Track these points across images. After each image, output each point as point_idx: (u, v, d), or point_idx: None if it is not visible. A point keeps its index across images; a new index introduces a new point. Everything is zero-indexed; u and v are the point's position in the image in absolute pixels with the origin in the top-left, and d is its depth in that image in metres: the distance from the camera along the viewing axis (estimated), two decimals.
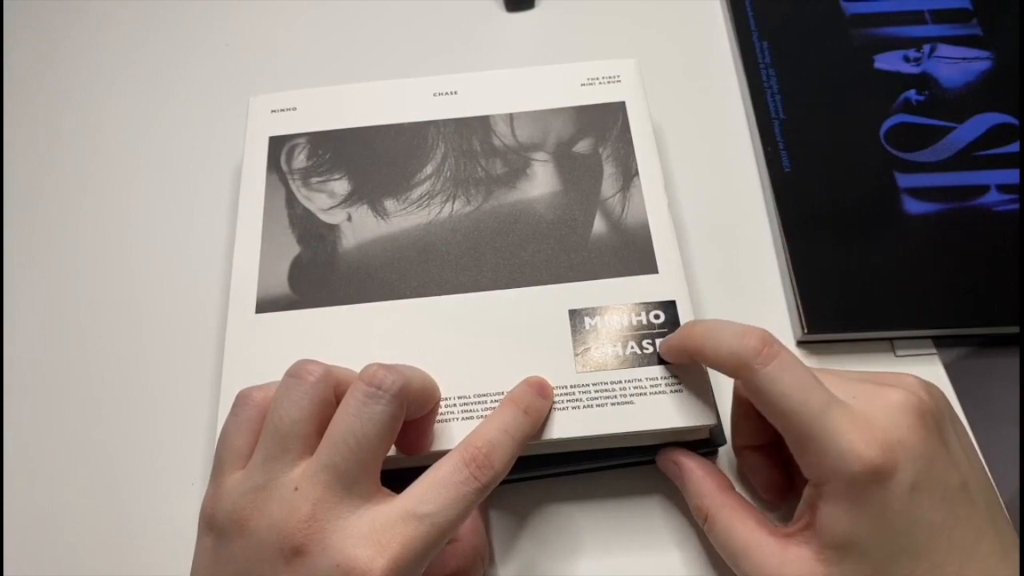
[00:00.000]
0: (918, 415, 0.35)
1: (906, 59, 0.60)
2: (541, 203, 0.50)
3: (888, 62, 0.60)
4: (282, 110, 0.55)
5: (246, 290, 0.48)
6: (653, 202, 0.50)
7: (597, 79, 0.55)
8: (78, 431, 0.50)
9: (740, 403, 0.43)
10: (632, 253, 0.48)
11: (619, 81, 0.55)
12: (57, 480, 0.49)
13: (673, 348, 0.43)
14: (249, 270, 0.49)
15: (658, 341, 0.45)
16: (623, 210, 0.49)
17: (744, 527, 0.38)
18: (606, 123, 0.53)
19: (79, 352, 0.53)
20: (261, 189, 0.52)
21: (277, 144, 0.53)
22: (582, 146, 0.52)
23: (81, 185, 0.60)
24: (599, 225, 0.49)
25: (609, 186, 0.51)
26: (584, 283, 0.47)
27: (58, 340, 0.53)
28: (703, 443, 0.45)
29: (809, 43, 0.62)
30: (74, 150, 0.62)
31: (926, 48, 0.61)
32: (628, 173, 0.51)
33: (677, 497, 0.45)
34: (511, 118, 0.54)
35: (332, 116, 0.54)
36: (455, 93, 0.55)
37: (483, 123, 0.54)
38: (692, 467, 0.42)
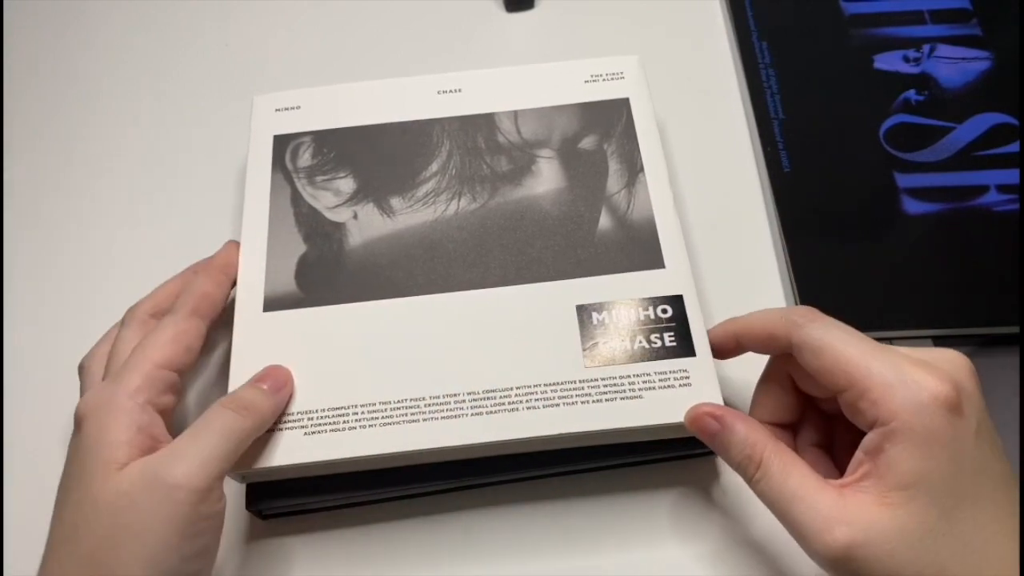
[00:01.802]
0: (972, 371, 0.36)
1: (906, 59, 0.60)
2: (547, 199, 0.50)
3: (887, 62, 0.60)
4: (286, 109, 0.54)
5: (253, 288, 0.48)
6: (659, 197, 0.50)
7: (601, 76, 0.55)
8: None
9: (770, 378, 0.43)
10: (638, 248, 0.48)
11: (623, 78, 0.55)
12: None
13: (717, 336, 0.43)
14: (256, 268, 0.49)
15: (666, 335, 0.45)
16: (628, 206, 0.50)
17: (800, 473, 0.37)
18: (610, 119, 0.53)
19: (85, 352, 0.52)
20: (266, 188, 0.51)
21: (282, 143, 0.53)
22: (587, 143, 0.52)
23: (85, 186, 0.60)
24: (605, 221, 0.49)
25: (614, 182, 0.51)
26: (591, 279, 0.47)
27: (64, 340, 0.53)
28: None
29: (809, 43, 0.62)
30: (77, 151, 0.62)
31: (926, 48, 0.61)
32: (633, 169, 0.51)
33: (681, 495, 0.46)
34: (515, 115, 0.54)
35: (336, 114, 0.54)
36: (459, 91, 0.55)
37: (488, 120, 0.54)
38: (735, 417, 0.40)
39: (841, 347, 0.36)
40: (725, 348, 0.44)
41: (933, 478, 0.33)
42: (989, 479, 0.34)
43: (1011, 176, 0.55)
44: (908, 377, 0.34)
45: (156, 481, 0.37)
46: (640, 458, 0.46)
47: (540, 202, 0.50)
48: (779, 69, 0.61)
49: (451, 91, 0.55)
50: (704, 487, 0.47)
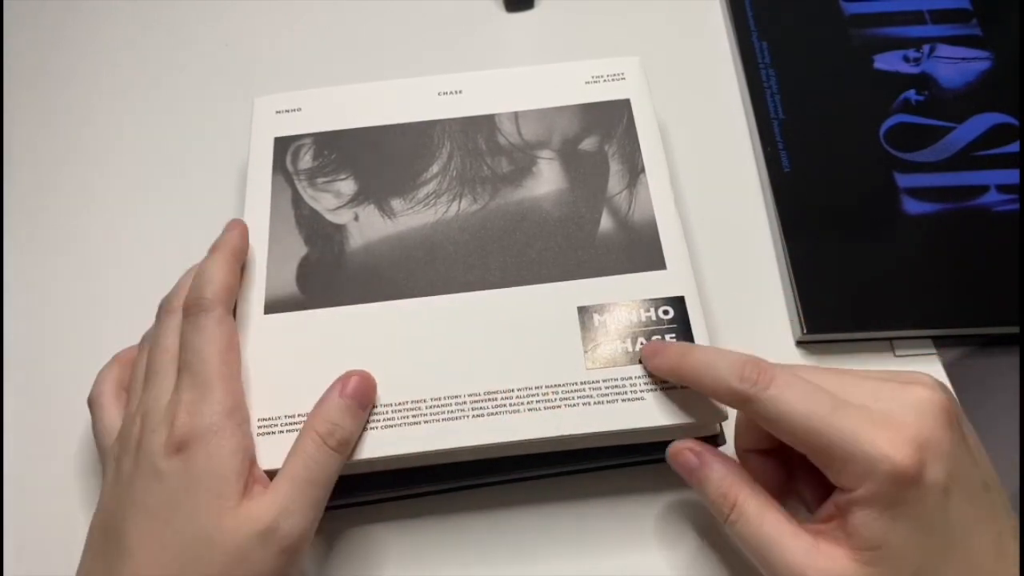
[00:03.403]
0: (944, 412, 0.35)
1: (906, 59, 0.60)
2: (548, 201, 0.50)
3: (887, 62, 0.60)
4: (287, 111, 0.54)
5: (254, 291, 0.48)
6: (660, 198, 0.50)
7: (602, 77, 0.55)
8: (85, 432, 0.50)
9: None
10: (640, 249, 0.48)
11: (623, 79, 0.55)
12: (62, 481, 0.49)
13: (665, 370, 0.43)
14: (257, 271, 0.49)
15: (668, 337, 0.45)
16: (630, 207, 0.50)
17: (775, 517, 0.37)
18: (611, 120, 0.53)
19: (86, 354, 0.52)
20: (267, 190, 0.51)
21: (283, 145, 0.53)
22: (588, 143, 0.52)
23: (86, 188, 0.60)
24: (606, 222, 0.49)
25: (616, 183, 0.51)
26: (592, 280, 0.47)
27: (64, 343, 0.53)
28: (707, 440, 0.45)
29: (809, 43, 0.62)
30: (79, 153, 0.62)
31: (926, 48, 0.61)
32: (634, 170, 0.51)
33: (682, 495, 0.46)
34: (516, 116, 0.54)
35: (337, 116, 0.54)
36: (460, 92, 0.55)
37: (488, 122, 0.54)
38: (714, 456, 0.41)
39: (798, 419, 0.36)
40: (667, 378, 0.43)
41: (900, 542, 0.34)
42: (959, 529, 0.34)
43: (1011, 176, 0.55)
44: (867, 448, 0.34)
45: (270, 542, 0.38)
46: (641, 458, 0.46)
47: (541, 203, 0.50)
48: (779, 69, 0.61)
49: (452, 92, 0.55)
50: None
